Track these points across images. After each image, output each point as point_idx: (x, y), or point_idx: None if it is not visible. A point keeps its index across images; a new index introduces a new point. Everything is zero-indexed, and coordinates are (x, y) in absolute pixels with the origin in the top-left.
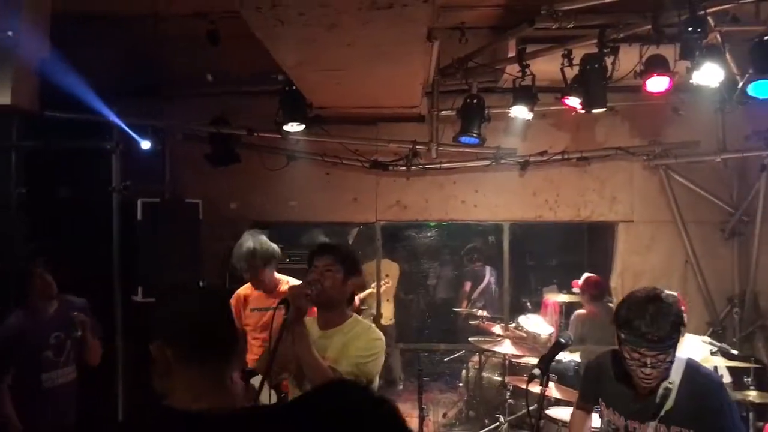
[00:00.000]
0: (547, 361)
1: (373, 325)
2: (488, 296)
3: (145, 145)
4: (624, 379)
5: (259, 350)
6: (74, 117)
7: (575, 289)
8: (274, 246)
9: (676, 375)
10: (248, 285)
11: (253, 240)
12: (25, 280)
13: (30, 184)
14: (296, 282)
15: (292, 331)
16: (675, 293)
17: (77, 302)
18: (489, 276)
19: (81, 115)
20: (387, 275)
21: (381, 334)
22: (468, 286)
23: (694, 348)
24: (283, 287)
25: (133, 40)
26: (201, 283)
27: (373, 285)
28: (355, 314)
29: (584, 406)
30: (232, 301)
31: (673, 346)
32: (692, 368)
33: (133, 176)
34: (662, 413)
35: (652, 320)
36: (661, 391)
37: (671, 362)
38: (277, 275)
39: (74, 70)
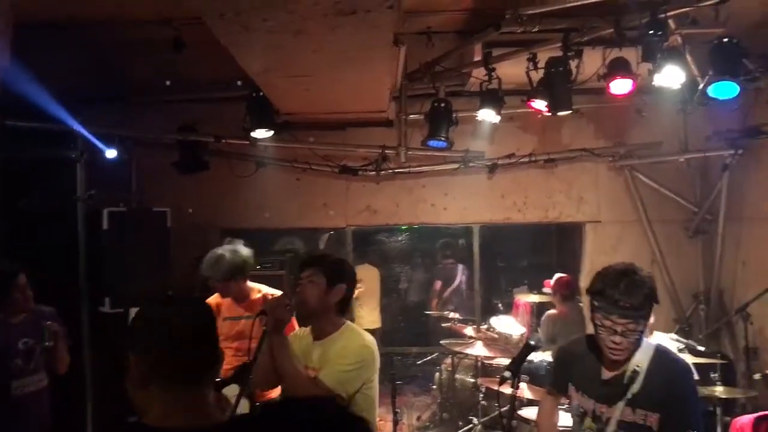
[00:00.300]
0: (517, 364)
1: (364, 332)
2: (459, 296)
3: (111, 153)
4: (594, 362)
5: (232, 360)
6: (37, 126)
7: (546, 289)
8: (247, 255)
9: (644, 358)
10: (216, 296)
11: (224, 248)
12: (4, 292)
13: None
14: (270, 290)
15: (271, 341)
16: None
17: (46, 311)
18: (461, 275)
19: (44, 124)
20: (361, 280)
21: (369, 341)
22: (438, 284)
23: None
24: (255, 295)
25: (97, 47)
26: (170, 293)
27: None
28: (348, 322)
29: (553, 392)
30: None
31: (644, 317)
32: (661, 353)
33: (98, 185)
34: (629, 396)
35: (625, 289)
36: (629, 373)
37: (641, 333)
38: (250, 283)
39: (37, 78)
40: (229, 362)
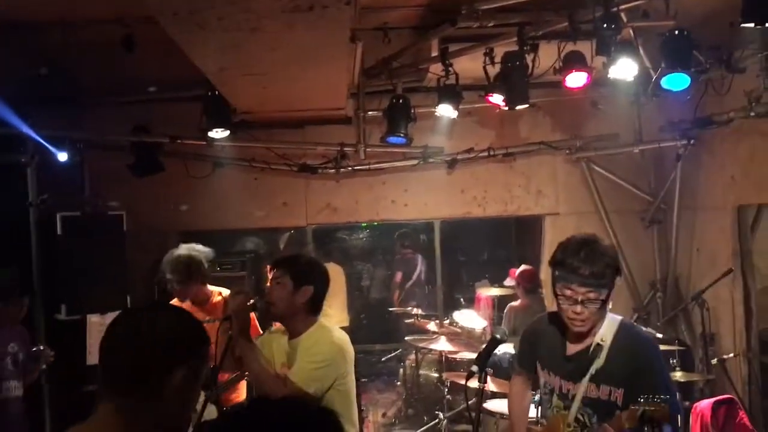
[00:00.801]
0: (484, 358)
1: (335, 329)
2: (420, 288)
3: (62, 156)
4: (558, 338)
5: None
6: None
7: (509, 281)
8: (205, 255)
9: (609, 333)
10: (176, 299)
11: (182, 248)
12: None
13: None
14: (228, 292)
15: (237, 344)
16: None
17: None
18: (420, 265)
19: None
20: None
21: (337, 338)
22: (399, 276)
23: None
24: (216, 298)
25: (47, 47)
26: (128, 298)
27: None
28: (320, 321)
29: (522, 372)
30: None
31: (605, 287)
32: (625, 326)
33: (51, 190)
34: (593, 371)
35: (585, 257)
36: (593, 347)
37: (603, 303)
38: (210, 287)
39: None
40: None
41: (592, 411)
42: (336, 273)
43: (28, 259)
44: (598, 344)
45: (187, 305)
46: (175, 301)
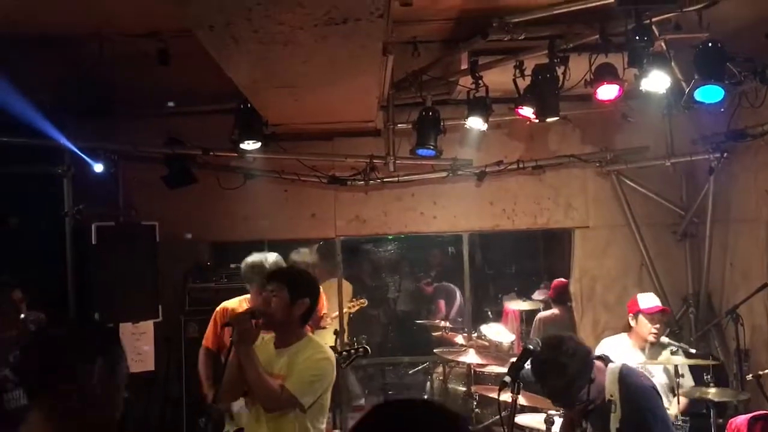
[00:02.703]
0: (517, 369)
1: (324, 344)
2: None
3: (98, 168)
4: None
5: None
6: (23, 141)
7: (536, 295)
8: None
9: (614, 387)
10: (240, 299)
11: (268, 256)
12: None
13: None
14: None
15: (238, 352)
16: (570, 344)
17: (31, 317)
18: (459, 293)
19: (31, 139)
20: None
21: (330, 354)
22: (442, 304)
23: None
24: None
25: (82, 60)
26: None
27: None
28: (309, 334)
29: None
30: (217, 315)
31: (579, 391)
32: (624, 377)
33: (86, 200)
34: (618, 425)
35: (547, 382)
36: (606, 404)
37: (588, 395)
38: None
39: (22, 93)
40: None
41: None
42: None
43: (63, 268)
44: (609, 400)
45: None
46: (234, 302)
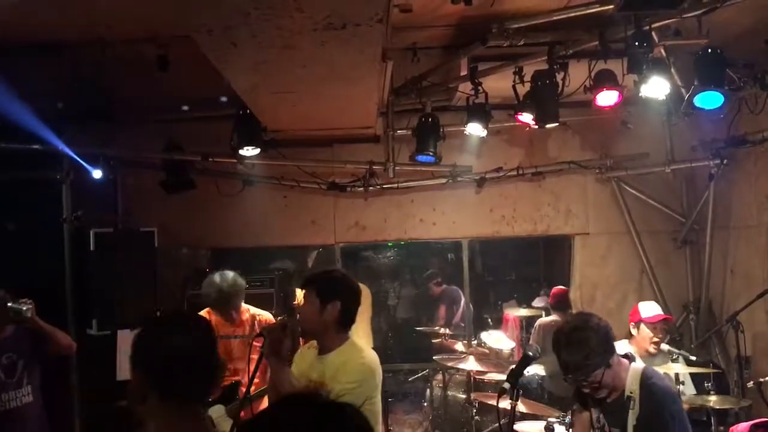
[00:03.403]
0: (516, 375)
1: (366, 349)
2: (466, 322)
3: (97, 174)
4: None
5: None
6: (22, 147)
7: (536, 302)
8: (241, 284)
9: (635, 385)
10: (207, 311)
11: (221, 279)
12: None
13: None
14: (257, 311)
15: (269, 363)
16: (600, 321)
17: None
18: (464, 298)
19: (29, 145)
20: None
21: (368, 359)
22: (443, 309)
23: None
24: (244, 316)
25: (81, 66)
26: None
27: None
28: (351, 338)
29: (579, 409)
30: None
31: (597, 367)
32: (647, 377)
33: (84, 206)
34: (634, 422)
35: (569, 351)
36: (624, 400)
37: (602, 379)
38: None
39: (21, 98)
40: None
41: None
42: (363, 295)
43: (62, 275)
44: (629, 396)
45: (215, 319)
46: (204, 312)
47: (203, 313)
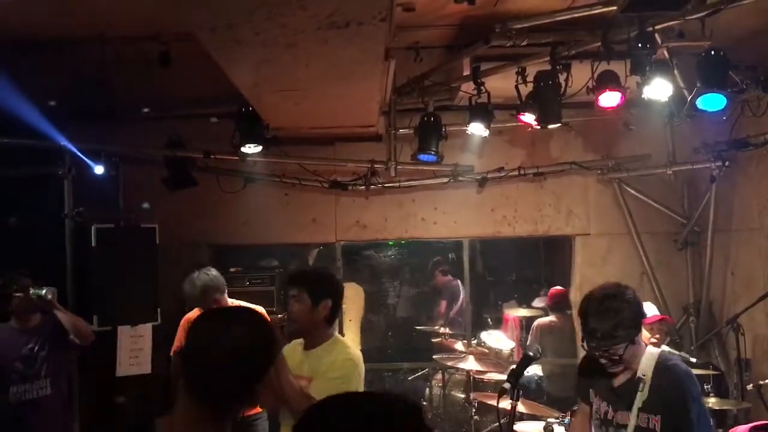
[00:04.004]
0: (516, 375)
1: (350, 345)
2: (464, 315)
3: (99, 170)
4: (601, 370)
5: None
6: (24, 143)
7: (536, 302)
8: (220, 278)
9: (648, 367)
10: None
11: (201, 277)
12: (4, 299)
13: None
14: (247, 305)
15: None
16: (634, 295)
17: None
18: (463, 292)
19: (31, 140)
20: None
21: (354, 354)
22: (444, 305)
23: None
24: None
25: (84, 63)
26: (158, 310)
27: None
28: (336, 335)
29: (581, 404)
30: (182, 324)
31: (622, 340)
32: (664, 359)
33: (86, 202)
34: (640, 404)
35: (599, 317)
36: (635, 381)
37: (623, 354)
38: (229, 300)
39: (23, 94)
40: None
41: None
42: (356, 294)
43: (63, 270)
44: (640, 378)
45: None
46: (196, 311)
47: (193, 313)
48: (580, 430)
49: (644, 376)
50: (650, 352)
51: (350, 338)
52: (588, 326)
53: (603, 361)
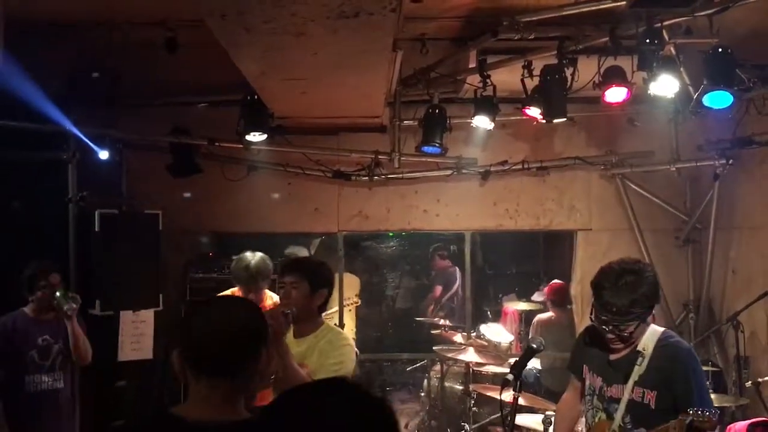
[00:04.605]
0: (519, 367)
1: (342, 331)
2: (456, 301)
3: (103, 155)
4: (602, 345)
5: None
6: (29, 126)
7: (536, 296)
8: (271, 267)
9: (650, 342)
10: (232, 291)
11: (257, 261)
12: (30, 287)
13: None
14: (276, 297)
15: (273, 347)
16: (654, 274)
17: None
18: (459, 278)
19: (36, 124)
20: (356, 294)
21: (349, 339)
22: (438, 290)
23: None
24: (267, 302)
25: (90, 47)
26: (161, 296)
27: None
28: (327, 321)
29: (573, 380)
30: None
31: (636, 318)
32: (667, 336)
33: (90, 187)
34: (636, 378)
35: (616, 292)
36: (633, 356)
37: (633, 332)
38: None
39: (28, 78)
40: None
41: (625, 412)
42: (353, 283)
43: (66, 255)
44: (639, 352)
45: None
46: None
47: (229, 292)
48: (569, 405)
49: (644, 350)
50: (653, 329)
51: (349, 327)
52: (602, 299)
53: (610, 336)
